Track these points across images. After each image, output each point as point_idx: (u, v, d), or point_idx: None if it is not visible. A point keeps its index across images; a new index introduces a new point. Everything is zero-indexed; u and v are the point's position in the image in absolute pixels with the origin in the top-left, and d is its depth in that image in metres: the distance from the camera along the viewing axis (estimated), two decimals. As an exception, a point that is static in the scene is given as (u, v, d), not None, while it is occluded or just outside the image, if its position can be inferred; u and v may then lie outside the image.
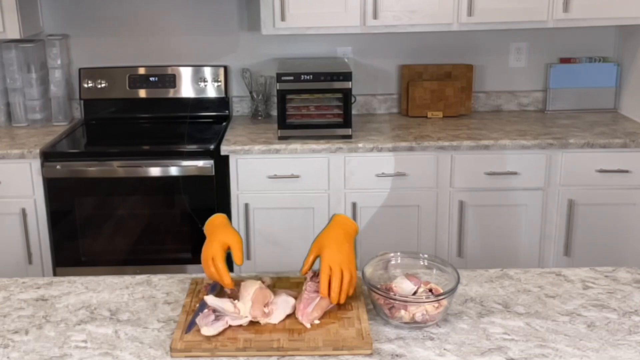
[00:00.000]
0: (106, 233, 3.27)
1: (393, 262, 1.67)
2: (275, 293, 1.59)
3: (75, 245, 3.25)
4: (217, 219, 1.69)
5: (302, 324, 1.50)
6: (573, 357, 1.40)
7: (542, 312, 1.58)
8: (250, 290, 1.53)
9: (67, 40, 3.66)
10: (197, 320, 1.48)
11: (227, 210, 3.22)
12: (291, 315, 1.54)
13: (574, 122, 3.45)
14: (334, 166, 3.15)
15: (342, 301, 1.55)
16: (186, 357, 1.42)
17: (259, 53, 3.68)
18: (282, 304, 1.54)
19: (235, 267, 3.26)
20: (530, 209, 3.22)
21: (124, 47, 3.68)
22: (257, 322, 1.51)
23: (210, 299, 1.51)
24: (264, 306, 1.52)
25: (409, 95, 3.61)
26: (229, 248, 1.60)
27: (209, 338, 1.45)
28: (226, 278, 1.57)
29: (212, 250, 1.59)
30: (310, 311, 1.51)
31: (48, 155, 3.17)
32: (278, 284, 1.70)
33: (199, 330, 1.47)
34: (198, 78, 3.65)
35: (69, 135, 3.48)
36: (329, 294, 1.53)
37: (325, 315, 1.54)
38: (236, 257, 1.61)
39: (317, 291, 1.55)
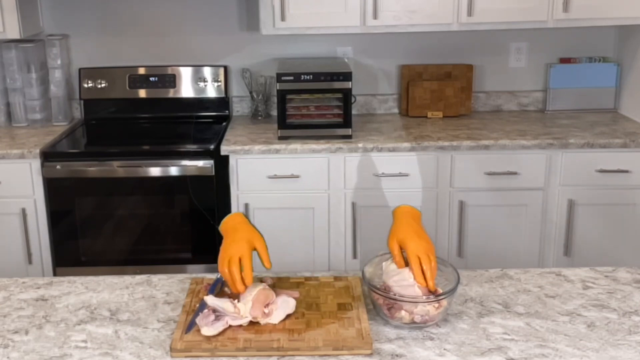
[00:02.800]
0: (106, 233, 3.27)
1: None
2: (276, 293, 1.59)
3: (75, 245, 3.25)
4: (237, 217, 1.66)
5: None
6: (573, 357, 1.40)
7: (542, 312, 1.58)
8: (253, 291, 1.53)
9: (67, 40, 3.66)
10: (197, 320, 1.48)
11: (227, 211, 3.22)
12: (291, 315, 1.54)
13: (574, 122, 3.45)
14: (334, 166, 3.15)
15: (432, 287, 1.52)
16: (186, 357, 1.42)
17: (259, 53, 3.68)
18: (282, 304, 1.54)
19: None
20: (530, 209, 3.22)
21: (124, 47, 3.68)
22: (257, 322, 1.51)
23: (210, 299, 1.51)
24: (265, 306, 1.52)
25: (409, 95, 3.61)
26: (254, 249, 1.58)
27: (209, 338, 1.45)
28: (249, 280, 1.53)
29: (239, 249, 1.55)
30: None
31: (48, 155, 3.17)
32: (278, 284, 1.70)
33: (199, 330, 1.47)
34: (198, 78, 3.65)
35: (69, 135, 3.48)
36: (426, 283, 1.51)
37: (326, 314, 1.54)
38: (265, 260, 1.58)
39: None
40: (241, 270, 1.53)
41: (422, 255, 1.53)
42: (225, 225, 1.64)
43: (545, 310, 1.59)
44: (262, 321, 1.50)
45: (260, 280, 1.71)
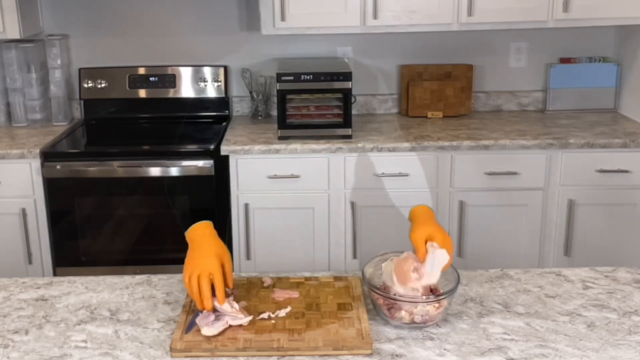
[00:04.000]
0: (106, 233, 3.27)
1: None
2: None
3: (75, 245, 3.25)
4: (206, 227, 1.61)
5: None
6: (573, 357, 1.40)
7: (542, 312, 1.58)
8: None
9: (67, 40, 3.66)
10: (197, 320, 1.48)
11: (227, 211, 3.22)
12: (291, 315, 1.54)
13: (574, 122, 3.45)
14: (333, 166, 3.15)
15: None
16: (186, 357, 1.42)
17: (259, 53, 3.68)
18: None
19: (235, 267, 3.26)
20: (530, 209, 3.22)
21: (124, 47, 3.68)
22: (257, 322, 1.51)
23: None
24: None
25: (409, 95, 3.61)
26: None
27: (209, 338, 1.45)
28: (222, 300, 1.48)
29: (210, 265, 1.50)
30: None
31: (48, 155, 3.17)
32: (278, 284, 1.70)
33: (199, 330, 1.47)
34: (198, 78, 3.65)
35: (69, 135, 3.48)
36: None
37: (326, 314, 1.54)
38: (229, 279, 1.54)
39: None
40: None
41: (449, 249, 1.55)
42: (194, 235, 1.60)
43: (545, 310, 1.59)
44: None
45: (260, 280, 1.71)
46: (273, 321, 1.52)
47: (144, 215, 3.26)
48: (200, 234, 1.61)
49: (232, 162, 3.14)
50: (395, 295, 1.51)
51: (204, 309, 1.49)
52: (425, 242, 1.56)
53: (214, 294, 1.50)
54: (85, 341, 1.48)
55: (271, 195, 3.17)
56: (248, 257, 3.24)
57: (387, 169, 3.15)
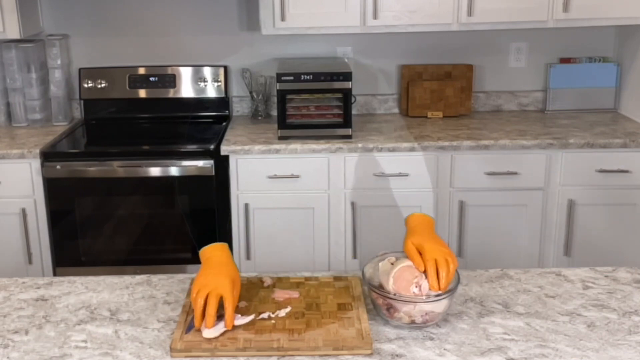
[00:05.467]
0: (106, 233, 3.27)
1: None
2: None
3: (75, 245, 3.25)
4: (224, 249, 1.60)
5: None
6: (573, 357, 1.40)
7: (542, 312, 1.58)
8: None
9: (67, 40, 3.66)
10: (197, 323, 1.48)
11: (227, 210, 3.23)
12: (291, 315, 1.54)
13: (574, 122, 3.45)
14: (333, 166, 3.15)
15: (444, 288, 1.50)
16: (186, 357, 1.42)
17: (259, 53, 3.68)
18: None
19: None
20: (530, 209, 3.22)
21: (124, 47, 3.68)
22: (257, 322, 1.51)
23: None
24: None
25: (409, 95, 3.61)
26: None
27: (209, 338, 1.45)
28: (230, 324, 1.47)
29: (223, 287, 1.48)
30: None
31: (48, 155, 3.17)
32: (278, 284, 1.70)
33: (199, 330, 1.47)
34: (198, 78, 3.65)
35: (69, 135, 3.48)
36: (439, 285, 1.49)
37: (326, 314, 1.54)
38: (233, 306, 1.51)
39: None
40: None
41: (439, 258, 1.51)
42: (210, 254, 1.59)
43: (545, 310, 1.59)
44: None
45: (260, 280, 1.71)
46: (273, 321, 1.52)
47: (144, 215, 3.26)
48: (218, 254, 1.59)
49: (232, 162, 3.14)
50: (394, 295, 1.51)
51: (200, 326, 1.46)
52: (418, 252, 1.55)
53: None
54: (85, 341, 1.48)
55: (271, 195, 3.17)
56: (248, 257, 3.24)
57: (387, 169, 3.15)
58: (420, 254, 1.55)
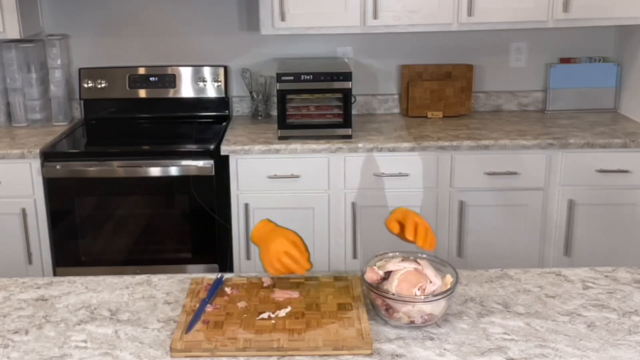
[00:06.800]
0: (106, 233, 3.27)
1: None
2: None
3: (75, 245, 3.25)
4: (265, 224, 1.67)
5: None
6: (573, 357, 1.40)
7: (542, 312, 1.58)
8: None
9: (67, 40, 3.66)
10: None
11: (227, 210, 3.23)
12: (291, 315, 1.54)
13: (574, 122, 3.45)
14: (333, 166, 3.15)
15: (430, 247, 1.63)
16: (186, 357, 1.42)
17: (259, 53, 3.68)
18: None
19: (235, 267, 3.27)
20: (530, 209, 3.22)
21: (124, 47, 3.68)
22: (257, 322, 1.51)
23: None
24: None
25: (409, 95, 3.61)
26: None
27: (209, 338, 1.45)
28: (307, 265, 1.59)
29: (282, 246, 1.58)
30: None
31: (48, 155, 3.17)
32: (278, 284, 1.70)
33: (199, 330, 1.47)
34: (198, 78, 3.65)
35: (69, 135, 3.48)
36: (418, 241, 1.62)
37: (326, 314, 1.54)
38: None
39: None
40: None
41: (419, 220, 1.65)
42: (257, 233, 1.66)
43: (545, 310, 1.59)
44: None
45: (261, 280, 1.71)
46: (273, 321, 1.52)
47: (144, 215, 3.26)
48: (263, 230, 1.66)
49: (232, 162, 3.14)
50: (394, 295, 1.51)
51: (306, 269, 1.58)
52: (399, 222, 1.66)
53: None
54: (85, 341, 1.48)
55: (271, 195, 3.17)
56: (248, 257, 3.24)
57: (387, 169, 3.15)
58: (403, 226, 1.66)
